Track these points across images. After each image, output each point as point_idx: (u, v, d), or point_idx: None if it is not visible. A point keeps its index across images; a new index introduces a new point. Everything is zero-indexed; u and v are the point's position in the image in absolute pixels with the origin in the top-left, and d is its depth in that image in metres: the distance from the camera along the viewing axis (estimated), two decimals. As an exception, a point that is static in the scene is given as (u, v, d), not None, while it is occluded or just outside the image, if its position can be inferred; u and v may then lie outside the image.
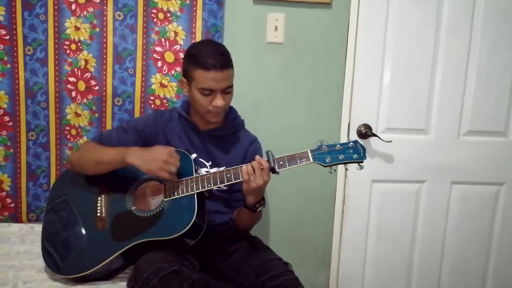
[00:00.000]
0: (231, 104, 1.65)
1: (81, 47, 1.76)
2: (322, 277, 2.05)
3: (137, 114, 1.81)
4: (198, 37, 1.78)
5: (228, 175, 1.39)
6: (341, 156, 1.34)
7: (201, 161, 1.55)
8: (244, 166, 1.36)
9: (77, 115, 1.80)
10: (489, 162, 1.99)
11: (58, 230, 1.48)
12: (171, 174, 1.38)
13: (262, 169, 1.34)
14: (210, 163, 1.56)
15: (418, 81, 1.91)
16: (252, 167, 1.35)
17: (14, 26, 1.72)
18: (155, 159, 1.37)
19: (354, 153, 1.35)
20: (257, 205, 1.43)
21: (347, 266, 2.03)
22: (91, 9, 1.75)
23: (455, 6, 1.86)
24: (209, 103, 1.47)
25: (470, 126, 1.95)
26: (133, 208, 1.45)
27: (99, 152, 1.48)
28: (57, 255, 1.43)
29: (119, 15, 1.76)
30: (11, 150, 1.79)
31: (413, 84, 1.91)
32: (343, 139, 1.92)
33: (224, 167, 1.50)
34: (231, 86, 1.50)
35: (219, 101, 1.46)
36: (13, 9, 1.71)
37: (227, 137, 1.60)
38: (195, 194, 1.40)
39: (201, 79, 1.45)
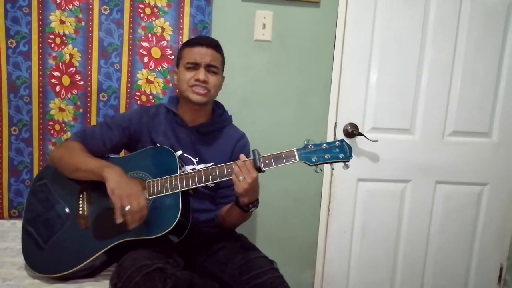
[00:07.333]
0: (218, 100, 1.64)
1: (66, 41, 1.74)
2: (307, 275, 2.06)
3: (122, 110, 1.79)
4: (186, 33, 1.76)
5: (214, 174, 1.37)
6: (327, 156, 1.34)
7: (187, 157, 1.54)
8: (230, 169, 1.35)
9: (61, 110, 1.77)
10: (473, 163, 2.01)
11: (39, 227, 1.45)
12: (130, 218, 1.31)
13: (246, 167, 1.33)
14: (197, 159, 1.54)
15: (404, 81, 1.92)
16: (238, 166, 1.34)
17: (-3, 18, 1.69)
18: (128, 195, 1.31)
19: (340, 153, 1.35)
20: (250, 205, 1.41)
21: (332, 264, 2.04)
22: (76, 3, 1.72)
23: (441, 7, 1.88)
24: (191, 77, 1.50)
25: (455, 126, 1.97)
26: (115, 206, 1.43)
27: (79, 160, 1.44)
28: (37, 254, 1.41)
29: (105, 9, 1.73)
30: (-7, 145, 1.76)
31: (400, 84, 1.92)
32: (330, 138, 1.92)
33: (212, 163, 1.48)
34: (216, 67, 1.53)
35: (201, 75, 1.50)
36: (-4, 1, 1.68)
37: (215, 132, 1.59)
38: (180, 192, 1.37)
39: (187, 54, 1.53)
